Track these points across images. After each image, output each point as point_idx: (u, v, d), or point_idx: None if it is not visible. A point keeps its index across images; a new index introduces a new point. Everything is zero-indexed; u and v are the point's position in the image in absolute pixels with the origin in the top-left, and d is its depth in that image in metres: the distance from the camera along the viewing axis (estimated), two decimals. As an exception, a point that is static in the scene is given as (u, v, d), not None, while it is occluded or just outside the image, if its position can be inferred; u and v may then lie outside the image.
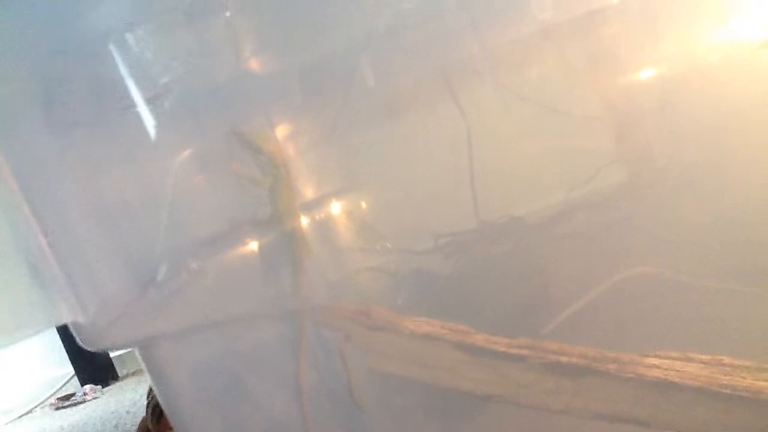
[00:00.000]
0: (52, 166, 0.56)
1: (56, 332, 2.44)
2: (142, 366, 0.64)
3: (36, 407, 2.45)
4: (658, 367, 0.57)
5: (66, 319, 0.57)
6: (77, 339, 0.56)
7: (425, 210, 0.72)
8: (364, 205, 0.72)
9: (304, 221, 0.66)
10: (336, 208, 0.70)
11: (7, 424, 2.26)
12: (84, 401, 2.31)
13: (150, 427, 1.47)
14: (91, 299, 0.55)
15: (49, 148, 0.56)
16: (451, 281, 0.72)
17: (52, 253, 0.54)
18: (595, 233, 0.69)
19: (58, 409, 2.34)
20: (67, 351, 2.49)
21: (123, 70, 0.55)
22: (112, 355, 2.51)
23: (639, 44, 0.68)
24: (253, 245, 0.62)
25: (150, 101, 0.55)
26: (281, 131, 0.67)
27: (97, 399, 2.31)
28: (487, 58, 0.68)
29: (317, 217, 0.68)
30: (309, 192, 0.69)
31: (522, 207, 0.71)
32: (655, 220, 0.68)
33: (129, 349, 2.53)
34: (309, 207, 0.67)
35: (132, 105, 0.55)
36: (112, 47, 0.55)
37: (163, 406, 0.64)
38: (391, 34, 0.67)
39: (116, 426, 1.90)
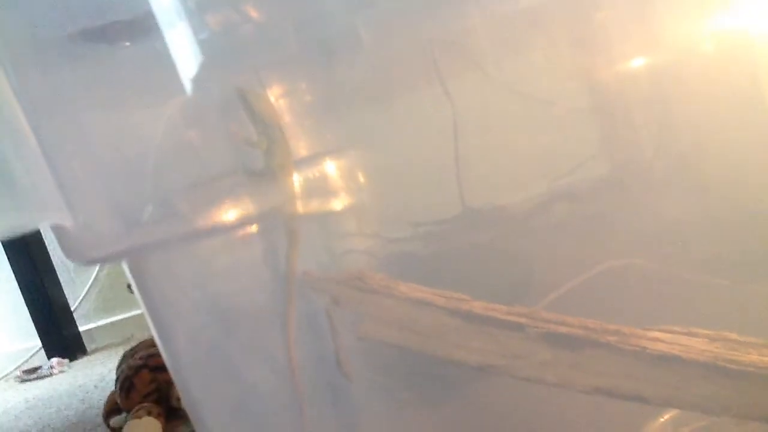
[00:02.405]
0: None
1: (24, 305, 2.39)
2: (132, 285, 0.60)
3: (0, 379, 2.40)
4: (661, 340, 0.55)
5: (41, 223, 0.53)
6: (61, 250, 0.52)
7: (410, 195, 0.71)
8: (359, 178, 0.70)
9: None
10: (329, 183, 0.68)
11: (-31, 395, 2.21)
12: (51, 374, 2.27)
13: (119, 401, 1.44)
14: (83, 207, 0.52)
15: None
16: (433, 267, 0.71)
17: (44, 158, 0.51)
18: (579, 224, 0.69)
19: (23, 381, 2.29)
20: (34, 324, 2.44)
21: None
22: (80, 329, 2.47)
23: (630, 32, 0.67)
24: (244, 195, 0.60)
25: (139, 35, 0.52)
26: (273, 90, 0.64)
27: (64, 373, 2.27)
28: (477, 41, 0.66)
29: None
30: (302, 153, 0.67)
31: (506, 196, 0.70)
32: (639, 213, 0.67)
33: (98, 324, 2.49)
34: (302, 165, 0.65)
35: (121, 37, 0.52)
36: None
37: (151, 326, 0.61)
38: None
39: (83, 400, 1.86)
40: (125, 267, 0.61)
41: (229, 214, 0.59)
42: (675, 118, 0.68)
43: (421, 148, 0.69)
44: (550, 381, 0.57)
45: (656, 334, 0.56)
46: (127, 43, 0.53)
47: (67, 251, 0.52)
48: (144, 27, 0.54)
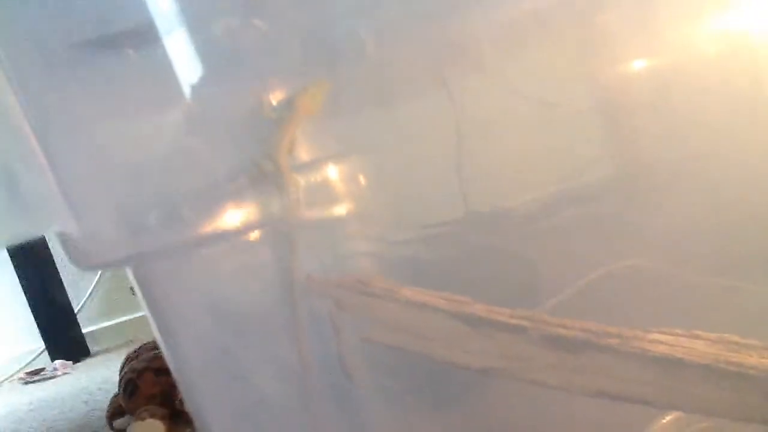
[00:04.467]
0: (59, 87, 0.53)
1: (27, 307, 2.40)
2: (136, 290, 0.61)
3: (4, 381, 2.41)
4: (662, 342, 0.55)
5: (47, 230, 0.54)
6: (67, 256, 0.53)
7: (414, 198, 0.71)
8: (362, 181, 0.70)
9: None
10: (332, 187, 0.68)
11: (-28, 398, 2.21)
12: (54, 376, 2.27)
13: (122, 403, 1.45)
14: (88, 214, 0.52)
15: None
16: (438, 270, 0.71)
17: (49, 166, 0.51)
18: (583, 227, 0.68)
19: (27, 383, 2.30)
20: (38, 326, 2.45)
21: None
22: (84, 331, 2.48)
23: (634, 34, 0.67)
24: (248, 201, 0.60)
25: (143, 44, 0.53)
26: (278, 95, 0.64)
27: (68, 375, 2.27)
28: (480, 44, 0.66)
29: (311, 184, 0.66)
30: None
31: (510, 198, 0.70)
32: (644, 215, 0.67)
33: (101, 326, 2.50)
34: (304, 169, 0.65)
35: (125, 45, 0.52)
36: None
37: (155, 331, 0.61)
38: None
39: (86, 402, 1.86)
40: (129, 272, 0.61)
41: (232, 219, 0.59)
42: (678, 120, 0.68)
43: (424, 151, 0.69)
44: (552, 384, 0.57)
45: (657, 336, 0.56)
46: (131, 51, 0.54)
47: (72, 257, 0.53)
48: (147, 35, 0.54)
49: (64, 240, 0.52)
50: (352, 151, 0.68)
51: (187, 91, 0.57)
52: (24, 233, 0.57)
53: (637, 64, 0.68)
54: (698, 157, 0.67)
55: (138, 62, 0.55)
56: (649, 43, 0.67)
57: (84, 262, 0.54)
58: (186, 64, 0.57)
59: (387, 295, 0.60)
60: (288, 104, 0.62)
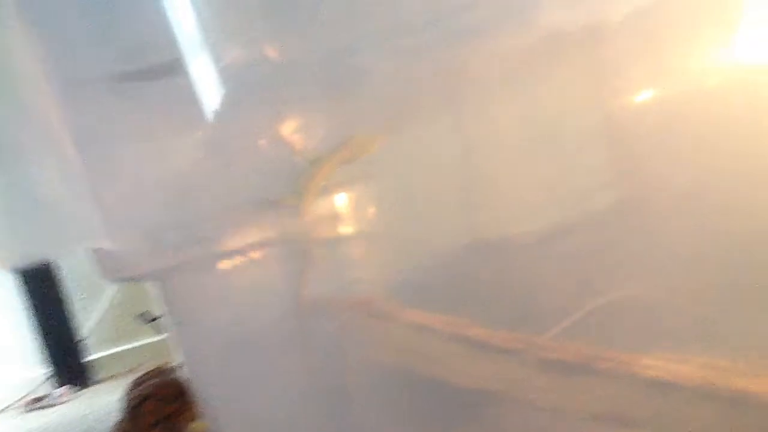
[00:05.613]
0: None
1: (30, 334, 2.41)
2: (161, 304, 0.63)
3: (8, 408, 2.40)
4: (653, 367, 0.57)
5: (83, 246, 0.57)
6: (100, 270, 0.56)
7: (420, 225, 0.71)
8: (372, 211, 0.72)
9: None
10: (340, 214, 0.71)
11: (-26, 424, 2.21)
12: (57, 403, 2.27)
13: (125, 431, 1.45)
14: (120, 230, 0.55)
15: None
16: (443, 295, 0.70)
17: (90, 186, 0.55)
18: (587, 255, 0.69)
19: (30, 410, 2.30)
20: (44, 353, 2.45)
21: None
22: (89, 357, 2.48)
23: (638, 64, 0.68)
24: (266, 222, 0.63)
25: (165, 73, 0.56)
26: (291, 123, 0.67)
27: (71, 402, 2.27)
28: (489, 72, 0.68)
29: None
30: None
31: (516, 226, 0.70)
32: (645, 244, 0.68)
33: (107, 353, 2.50)
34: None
35: (147, 75, 0.56)
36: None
37: (177, 345, 0.63)
38: (402, 34, 0.67)
39: (90, 429, 1.86)
40: (156, 287, 0.63)
41: (251, 238, 0.61)
42: (680, 150, 0.67)
43: (431, 179, 0.70)
44: (546, 406, 0.59)
45: (648, 361, 0.58)
46: (162, 80, 0.57)
47: (105, 271, 0.56)
48: (176, 66, 0.58)
49: (99, 255, 0.55)
50: (361, 177, 0.70)
51: (209, 116, 0.60)
52: (62, 248, 0.60)
53: (642, 95, 0.69)
54: (699, 187, 0.67)
55: (166, 90, 0.58)
56: (653, 74, 0.68)
57: (116, 275, 0.57)
58: (208, 92, 0.60)
59: (390, 316, 0.62)
60: (330, 151, 0.65)
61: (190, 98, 0.59)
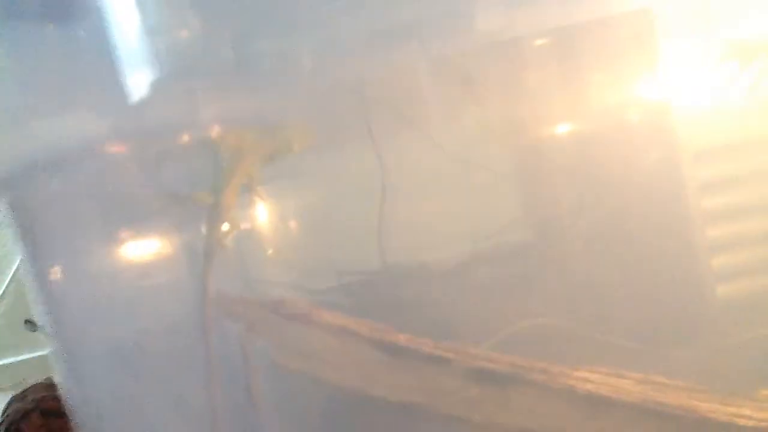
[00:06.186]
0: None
1: None
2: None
3: None
4: (589, 380, 0.53)
5: None
6: None
7: (334, 245, 0.70)
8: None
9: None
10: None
11: None
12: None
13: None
14: None
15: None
16: (359, 309, 0.68)
17: None
18: (499, 285, 0.68)
19: None
20: None
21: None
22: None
23: (558, 98, 0.67)
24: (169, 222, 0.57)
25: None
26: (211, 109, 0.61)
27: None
28: (409, 100, 0.66)
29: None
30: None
31: (427, 254, 0.69)
32: (559, 275, 0.67)
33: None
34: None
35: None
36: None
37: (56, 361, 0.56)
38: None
39: (-39, 450, 1.70)
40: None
41: (154, 239, 0.55)
42: (597, 183, 0.68)
43: (348, 200, 0.69)
44: (476, 420, 0.54)
45: (585, 374, 0.54)
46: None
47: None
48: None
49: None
50: (282, 184, 0.67)
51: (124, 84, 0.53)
52: None
53: (560, 128, 0.69)
54: (614, 220, 0.67)
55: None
56: (572, 107, 0.67)
57: None
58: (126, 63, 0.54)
59: (303, 318, 0.56)
60: (252, 145, 0.60)
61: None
